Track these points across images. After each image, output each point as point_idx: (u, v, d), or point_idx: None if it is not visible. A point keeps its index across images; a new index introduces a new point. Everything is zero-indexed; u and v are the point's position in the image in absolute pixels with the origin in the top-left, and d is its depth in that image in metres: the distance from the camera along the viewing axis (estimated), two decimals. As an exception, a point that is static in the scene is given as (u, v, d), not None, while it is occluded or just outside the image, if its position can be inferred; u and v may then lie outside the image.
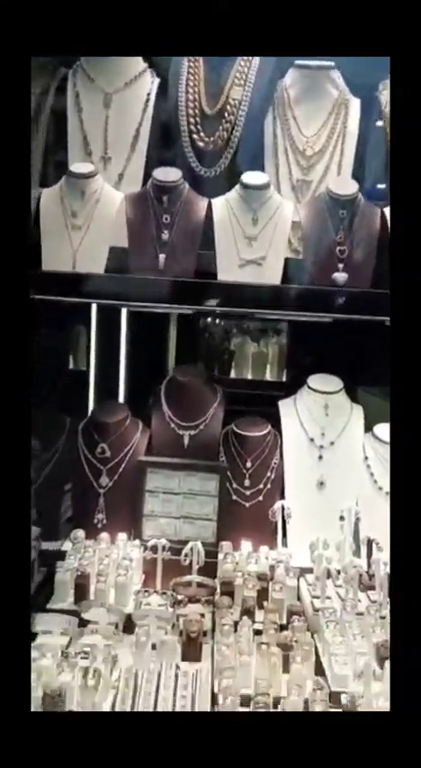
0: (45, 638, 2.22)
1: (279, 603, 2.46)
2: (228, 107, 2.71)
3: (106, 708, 1.95)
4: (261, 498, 2.93)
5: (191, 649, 2.28)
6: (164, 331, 3.90)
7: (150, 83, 2.76)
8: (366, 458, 2.97)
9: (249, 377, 4.42)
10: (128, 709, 1.92)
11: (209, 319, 4.46)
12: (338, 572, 2.61)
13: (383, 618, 2.38)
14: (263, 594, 2.53)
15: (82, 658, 2.07)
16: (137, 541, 2.80)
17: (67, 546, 2.83)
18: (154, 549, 2.68)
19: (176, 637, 2.30)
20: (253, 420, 3.01)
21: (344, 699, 1.96)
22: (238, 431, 2.99)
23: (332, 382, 3.04)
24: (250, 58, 2.63)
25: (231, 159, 2.75)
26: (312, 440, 2.96)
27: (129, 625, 2.39)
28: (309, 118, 2.76)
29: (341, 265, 2.47)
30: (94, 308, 3.60)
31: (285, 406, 3.07)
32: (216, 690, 2.02)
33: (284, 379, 4.33)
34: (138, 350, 3.73)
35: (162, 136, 2.83)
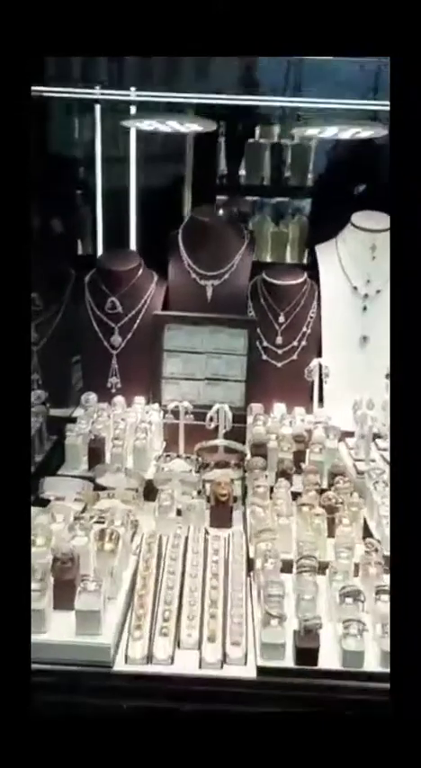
0: (56, 505, 1.97)
1: (319, 466, 2.17)
2: None
3: (127, 575, 1.70)
4: (295, 357, 2.58)
5: (220, 514, 2.02)
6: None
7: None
8: (416, 309, 2.57)
9: (268, 259, 4.06)
10: (152, 576, 1.66)
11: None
12: (385, 434, 2.30)
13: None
14: (299, 457, 2.25)
15: (97, 522, 1.81)
16: (155, 406, 2.50)
17: (78, 413, 2.54)
18: (175, 412, 2.39)
19: (204, 501, 2.04)
20: (286, 267, 2.62)
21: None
22: (270, 280, 2.60)
23: (381, 219, 2.60)
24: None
25: None
26: (355, 288, 2.57)
27: (150, 491, 2.13)
28: None
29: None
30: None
31: (324, 250, 2.66)
32: (252, 554, 1.77)
33: (305, 261, 3.97)
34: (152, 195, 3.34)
35: None
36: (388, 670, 1.19)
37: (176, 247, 2.62)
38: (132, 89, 2.99)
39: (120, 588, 1.64)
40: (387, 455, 2.30)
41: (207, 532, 1.89)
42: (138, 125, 2.72)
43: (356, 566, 1.70)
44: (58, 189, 3.74)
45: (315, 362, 2.53)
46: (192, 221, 2.61)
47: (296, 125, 2.40)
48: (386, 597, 1.51)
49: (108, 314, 2.55)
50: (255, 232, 4.08)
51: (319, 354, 2.58)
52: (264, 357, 2.59)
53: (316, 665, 1.42)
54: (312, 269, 2.63)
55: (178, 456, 2.29)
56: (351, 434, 2.40)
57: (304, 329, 2.59)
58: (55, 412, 2.53)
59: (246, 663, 1.45)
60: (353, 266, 2.57)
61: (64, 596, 1.52)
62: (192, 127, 2.75)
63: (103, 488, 2.13)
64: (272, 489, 2.03)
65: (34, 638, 1.33)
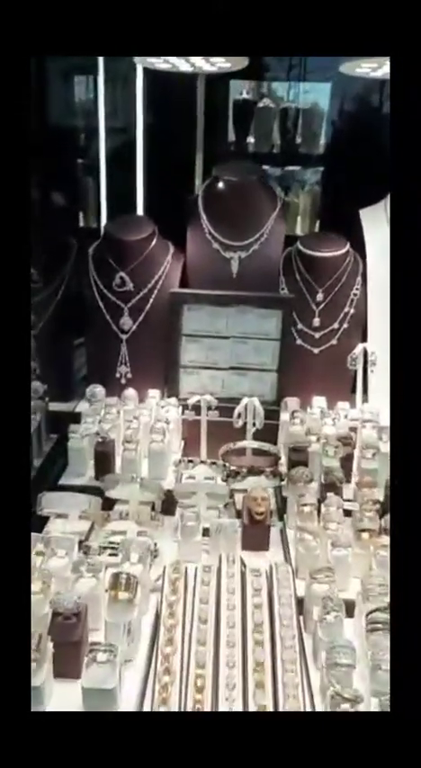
0: (57, 526, 1.62)
1: (372, 475, 1.80)
2: None
3: (147, 621, 1.35)
4: (335, 342, 2.21)
5: (255, 534, 1.68)
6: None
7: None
8: None
9: (284, 234, 3.64)
10: (178, 626, 1.31)
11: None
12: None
13: None
14: (346, 464, 1.88)
15: (110, 554, 1.46)
16: (173, 400, 2.13)
17: (82, 407, 2.18)
18: (196, 408, 2.02)
19: (235, 519, 1.68)
20: (326, 236, 2.22)
21: None
22: (306, 251, 2.20)
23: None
24: None
25: None
26: (406, 261, 2.17)
27: (168, 505, 1.77)
28: None
29: None
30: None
31: (370, 216, 2.26)
32: (301, 592, 1.42)
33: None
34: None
35: None
36: None
37: (196, 213, 2.22)
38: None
39: (138, 643, 1.29)
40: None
41: (243, 564, 1.54)
42: (148, 60, 2.32)
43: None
44: (57, 158, 3.40)
45: (359, 348, 2.16)
46: (216, 182, 2.21)
47: (345, 62, 1.98)
48: None
49: (116, 292, 2.17)
50: None
51: (364, 339, 2.20)
52: (299, 342, 2.21)
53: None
54: (353, 239, 2.24)
55: (201, 461, 1.93)
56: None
57: (346, 309, 2.20)
58: (55, 406, 2.17)
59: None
60: (405, 234, 2.18)
61: (67, 662, 1.17)
62: (209, 65, 2.36)
63: (114, 501, 1.78)
64: (319, 504, 1.67)
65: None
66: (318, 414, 2.08)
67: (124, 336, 2.20)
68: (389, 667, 1.15)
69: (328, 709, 1.12)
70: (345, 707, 1.09)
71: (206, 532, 1.66)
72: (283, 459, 1.98)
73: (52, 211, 3.01)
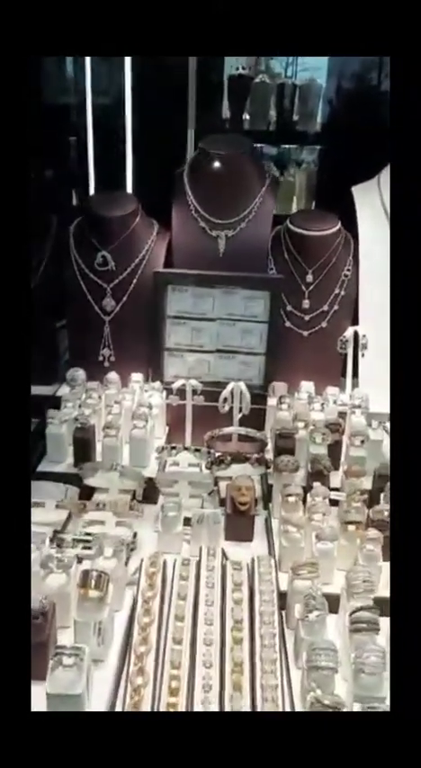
0: (33, 516, 1.55)
1: (361, 463, 1.74)
2: None
3: (121, 618, 1.29)
4: (325, 324, 2.13)
5: (239, 525, 1.62)
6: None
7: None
8: None
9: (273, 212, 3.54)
10: (154, 624, 1.25)
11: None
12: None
13: None
14: (334, 451, 1.82)
15: (83, 548, 1.39)
16: (157, 384, 2.05)
17: (63, 391, 2.10)
18: (181, 392, 1.95)
19: (217, 509, 1.62)
20: (317, 214, 2.13)
21: None
22: (295, 229, 2.11)
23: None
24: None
25: None
26: (400, 240, 2.09)
27: (150, 494, 1.71)
28: None
29: None
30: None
31: (363, 193, 2.16)
32: (284, 587, 1.36)
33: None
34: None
35: None
36: None
37: (181, 189, 2.12)
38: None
39: (111, 642, 1.23)
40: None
41: (225, 556, 1.48)
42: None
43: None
44: (42, 134, 3.29)
45: (350, 331, 2.08)
46: (201, 156, 2.11)
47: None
48: None
49: (98, 271, 2.08)
50: None
51: (355, 322, 2.13)
52: (288, 324, 2.13)
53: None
54: (349, 218, 2.15)
55: (185, 448, 1.86)
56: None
57: (337, 291, 2.12)
58: (36, 390, 2.08)
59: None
60: (399, 212, 2.09)
61: (34, 664, 1.10)
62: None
63: (93, 490, 1.71)
64: (305, 493, 1.61)
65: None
66: (306, 399, 2.01)
67: (107, 318, 2.11)
68: (372, 671, 1.09)
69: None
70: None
71: (188, 522, 1.60)
72: (271, 446, 1.91)
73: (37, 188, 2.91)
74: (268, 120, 3.76)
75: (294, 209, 3.68)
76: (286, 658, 1.24)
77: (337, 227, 2.12)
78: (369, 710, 1.03)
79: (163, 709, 1.10)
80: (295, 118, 3.77)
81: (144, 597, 1.31)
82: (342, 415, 1.98)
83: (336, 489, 1.65)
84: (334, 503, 1.61)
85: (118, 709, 1.13)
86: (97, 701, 1.13)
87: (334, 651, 1.13)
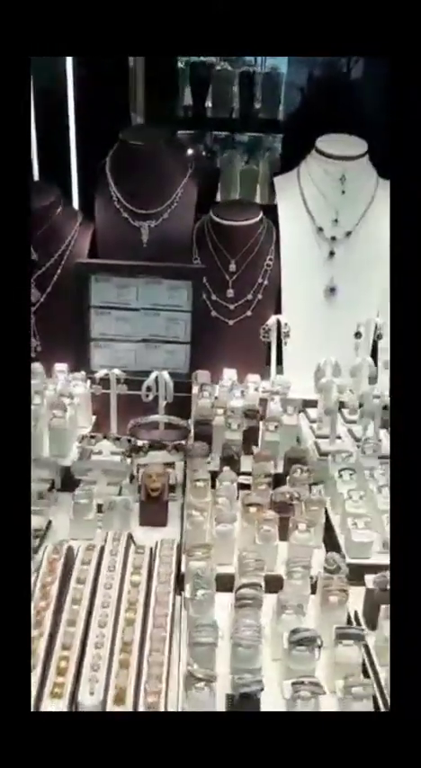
0: None
1: (273, 448, 1.78)
2: None
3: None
4: (249, 313, 2.16)
5: (152, 511, 1.65)
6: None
7: None
8: (393, 254, 2.15)
9: (237, 197, 3.63)
10: (50, 608, 1.28)
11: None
12: (353, 405, 1.92)
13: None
14: (252, 436, 1.86)
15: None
16: (80, 374, 2.07)
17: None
18: (104, 382, 1.97)
19: (128, 496, 1.65)
20: (239, 205, 2.16)
21: (371, 579, 1.33)
22: (218, 220, 2.14)
23: (352, 143, 2.14)
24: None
25: None
26: (321, 229, 2.14)
27: (69, 482, 1.74)
28: None
29: None
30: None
31: (284, 183, 2.20)
32: (184, 570, 1.40)
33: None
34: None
35: None
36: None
37: (104, 180, 2.13)
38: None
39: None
40: (355, 429, 1.93)
41: (131, 540, 1.51)
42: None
43: (314, 583, 1.33)
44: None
45: (272, 319, 2.13)
46: (122, 147, 2.12)
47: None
48: (349, 642, 1.15)
49: (21, 262, 2.08)
50: (224, 170, 3.64)
51: (278, 310, 2.17)
52: (214, 313, 2.16)
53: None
54: (274, 207, 2.18)
55: (105, 437, 1.89)
56: (314, 404, 2.01)
57: (260, 280, 2.15)
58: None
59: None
60: (317, 203, 2.12)
61: None
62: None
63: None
64: (214, 478, 1.65)
65: None
66: (229, 386, 2.05)
67: (32, 308, 2.12)
68: (248, 644, 1.14)
69: (183, 689, 1.10)
70: (200, 686, 1.07)
71: (101, 509, 1.63)
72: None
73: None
74: (230, 107, 3.77)
75: (257, 197, 3.68)
76: (181, 633, 1.28)
77: (259, 218, 2.15)
78: (241, 682, 1.07)
79: (48, 688, 1.14)
80: (257, 106, 3.78)
81: (43, 582, 1.33)
82: (264, 402, 2.03)
83: (249, 473, 1.70)
84: (244, 486, 1.66)
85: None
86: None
87: (214, 628, 1.17)
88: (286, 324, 2.12)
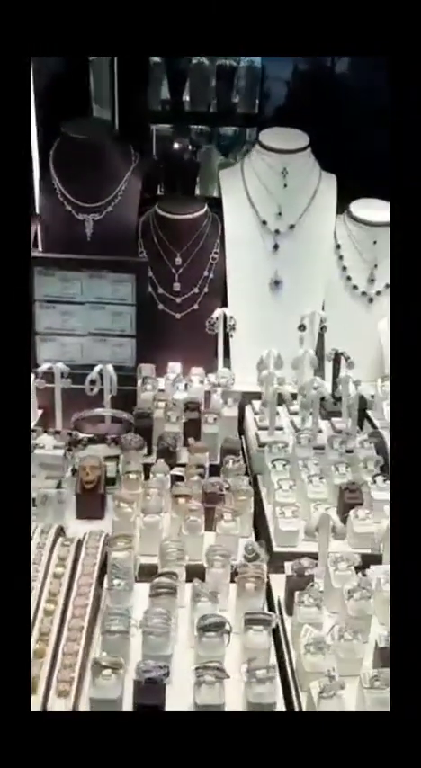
0: None
1: (211, 440, 1.80)
2: None
3: None
4: (196, 306, 2.18)
5: (87, 504, 1.66)
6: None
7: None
8: (338, 246, 2.17)
9: (216, 194, 3.54)
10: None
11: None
12: (294, 396, 1.93)
13: (350, 452, 1.75)
14: (194, 429, 1.87)
15: None
16: (27, 368, 2.06)
17: None
18: (48, 376, 1.97)
19: (62, 489, 1.66)
20: (184, 198, 2.16)
21: (290, 566, 1.35)
22: (163, 213, 2.15)
23: (295, 137, 2.15)
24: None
25: None
26: (264, 223, 2.15)
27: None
28: None
29: None
30: None
31: (228, 177, 2.21)
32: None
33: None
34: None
35: None
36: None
37: (47, 173, 2.13)
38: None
39: None
40: (297, 420, 1.95)
41: (61, 532, 1.52)
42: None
43: (234, 572, 1.35)
44: None
45: (218, 312, 2.14)
46: (64, 140, 2.12)
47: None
48: (259, 627, 1.17)
49: (-35, 257, 2.08)
50: (202, 164, 3.63)
51: (225, 303, 2.18)
52: (161, 306, 2.17)
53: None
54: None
55: (46, 431, 1.89)
56: (259, 395, 2.02)
57: (206, 273, 2.16)
58: None
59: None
60: (261, 196, 2.13)
61: None
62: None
63: None
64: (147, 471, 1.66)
65: None
66: (172, 379, 2.06)
67: (-23, 303, 2.12)
68: (158, 632, 1.15)
69: (90, 677, 1.11)
70: (106, 673, 1.08)
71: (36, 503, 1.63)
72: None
73: None
74: (208, 101, 3.76)
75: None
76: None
77: (203, 211, 2.16)
78: (144, 668, 1.08)
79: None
80: (235, 100, 3.77)
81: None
82: (208, 395, 2.04)
83: (182, 465, 1.71)
84: (180, 478, 1.67)
85: None
86: None
87: (127, 616, 1.18)
88: (232, 317, 2.13)
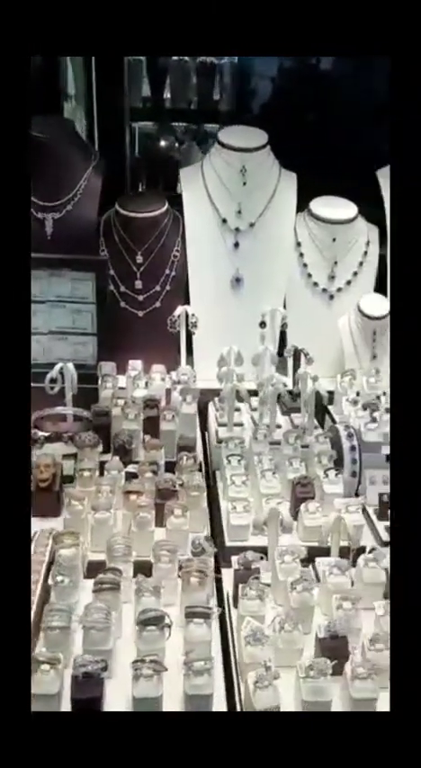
0: None
1: (169, 437, 1.80)
2: None
3: None
4: (158, 304, 2.18)
5: (41, 502, 1.65)
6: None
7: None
8: (299, 244, 2.19)
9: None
10: None
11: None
12: (254, 393, 1.94)
13: (306, 447, 1.76)
14: (151, 426, 1.87)
15: None
16: (-13, 367, 2.06)
17: None
18: (8, 375, 1.96)
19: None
20: (145, 196, 2.17)
21: (237, 560, 1.36)
22: (123, 212, 2.15)
23: (254, 135, 2.16)
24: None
25: None
26: (225, 221, 2.16)
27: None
28: None
29: None
30: None
31: (189, 175, 2.21)
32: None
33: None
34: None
35: None
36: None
37: (7, 172, 2.12)
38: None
39: None
40: (256, 415, 1.96)
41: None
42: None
43: (180, 566, 1.35)
44: None
45: (180, 310, 2.14)
46: (23, 138, 2.11)
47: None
48: (199, 620, 1.18)
49: None
50: (184, 162, 3.63)
51: (187, 301, 2.18)
52: (123, 304, 2.17)
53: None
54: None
55: (4, 430, 1.88)
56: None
57: (167, 271, 2.17)
58: None
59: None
60: (221, 194, 2.14)
61: None
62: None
63: None
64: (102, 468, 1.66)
65: None
66: (133, 377, 2.06)
67: None
68: (99, 627, 1.16)
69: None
70: (44, 668, 1.09)
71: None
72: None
73: None
74: (189, 99, 3.75)
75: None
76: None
77: (164, 209, 2.17)
78: (80, 662, 1.08)
79: None
80: (216, 97, 3.77)
81: None
82: (169, 392, 2.04)
83: (137, 462, 1.71)
84: (135, 476, 1.67)
85: None
86: None
87: (67, 612, 1.18)
88: (193, 314, 2.14)
